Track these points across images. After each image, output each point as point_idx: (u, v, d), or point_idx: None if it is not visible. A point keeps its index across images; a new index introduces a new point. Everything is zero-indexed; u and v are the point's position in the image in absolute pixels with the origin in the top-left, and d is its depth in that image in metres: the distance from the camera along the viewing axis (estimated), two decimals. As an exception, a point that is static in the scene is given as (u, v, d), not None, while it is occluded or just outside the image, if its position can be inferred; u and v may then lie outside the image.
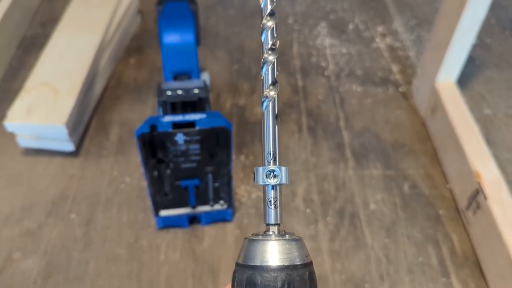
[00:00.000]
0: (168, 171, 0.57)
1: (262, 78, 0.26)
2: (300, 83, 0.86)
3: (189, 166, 0.57)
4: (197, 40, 0.65)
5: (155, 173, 0.57)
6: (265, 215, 0.26)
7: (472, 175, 0.62)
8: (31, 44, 0.92)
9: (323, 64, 0.90)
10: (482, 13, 0.65)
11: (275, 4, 0.26)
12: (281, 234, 0.26)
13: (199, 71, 0.63)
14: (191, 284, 0.58)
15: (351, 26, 0.99)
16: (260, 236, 0.26)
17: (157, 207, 0.61)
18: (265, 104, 0.26)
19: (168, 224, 0.63)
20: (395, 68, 0.90)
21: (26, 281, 0.58)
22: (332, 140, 0.76)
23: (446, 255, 0.61)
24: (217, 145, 0.56)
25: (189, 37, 0.63)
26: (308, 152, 0.74)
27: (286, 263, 0.25)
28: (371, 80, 0.87)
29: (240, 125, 0.78)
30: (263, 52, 0.26)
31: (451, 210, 0.67)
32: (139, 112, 0.79)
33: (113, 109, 0.80)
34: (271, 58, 0.26)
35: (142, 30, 0.97)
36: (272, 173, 0.26)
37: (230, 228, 0.64)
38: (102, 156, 0.72)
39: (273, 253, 0.25)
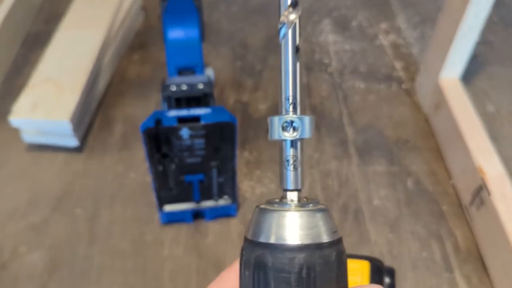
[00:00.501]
0: (173, 166, 0.57)
1: None
2: (303, 79, 0.86)
3: (194, 161, 0.57)
4: (201, 36, 0.66)
5: (160, 167, 0.57)
6: (281, 178, 0.21)
7: (476, 171, 0.62)
8: (35, 41, 0.92)
9: (326, 60, 0.90)
10: (485, 10, 0.65)
11: None
12: (302, 202, 0.21)
13: (203, 66, 0.63)
14: (195, 279, 0.58)
15: (354, 23, 0.99)
16: (275, 205, 0.21)
17: (161, 202, 0.61)
18: (282, 31, 0.20)
19: (172, 219, 0.63)
20: (398, 65, 0.90)
21: (32, 275, 0.58)
22: (336, 137, 0.76)
23: (449, 251, 0.62)
24: (221, 140, 0.56)
25: (193, 32, 0.63)
26: (312, 148, 0.74)
27: (308, 241, 0.19)
28: (374, 76, 0.87)
29: (244, 121, 0.78)
30: None
31: (454, 206, 0.67)
32: (142, 108, 0.80)
33: (117, 105, 0.80)
34: None
35: (145, 26, 0.97)
36: (290, 125, 0.20)
37: (234, 224, 0.64)
38: (106, 152, 0.73)
39: (291, 228, 0.20)
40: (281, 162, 0.21)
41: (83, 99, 0.72)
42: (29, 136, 0.71)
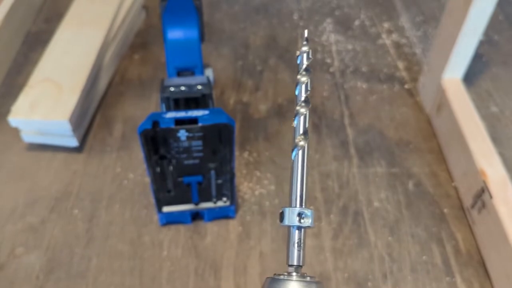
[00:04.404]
0: (171, 168, 0.57)
1: (293, 126, 0.28)
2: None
3: (192, 162, 0.57)
4: (201, 37, 0.65)
5: (158, 169, 0.57)
6: (288, 255, 0.27)
7: (478, 173, 0.61)
8: (35, 40, 0.92)
9: (328, 60, 0.90)
10: (489, 9, 0.64)
11: (311, 60, 0.29)
12: (303, 275, 0.27)
13: (202, 67, 0.63)
14: (193, 280, 0.58)
15: (357, 22, 0.99)
16: (281, 276, 0.27)
17: (159, 203, 0.60)
18: (294, 152, 0.28)
19: (170, 220, 0.63)
20: (401, 65, 0.89)
21: (29, 277, 0.58)
22: (336, 137, 0.75)
23: (450, 254, 0.61)
24: (219, 141, 0.55)
25: (192, 33, 0.62)
26: (312, 149, 0.73)
27: None
28: (377, 77, 0.86)
29: (244, 121, 0.77)
30: (296, 104, 0.28)
31: (456, 208, 0.66)
32: (142, 108, 0.79)
33: (117, 105, 0.80)
34: (303, 110, 0.28)
35: (146, 26, 0.96)
36: (303, 215, 0.27)
37: (232, 225, 0.64)
38: (105, 152, 0.72)
39: None
40: (289, 244, 0.27)
41: (83, 99, 0.72)
42: (29, 136, 0.71)
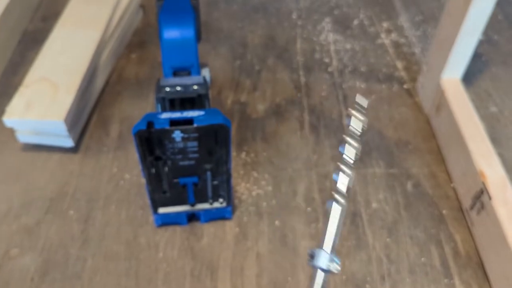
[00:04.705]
0: (166, 169, 0.56)
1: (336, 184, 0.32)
2: (302, 79, 0.85)
3: (187, 163, 0.56)
4: (198, 36, 0.65)
5: (153, 170, 0.56)
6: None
7: (477, 174, 0.61)
8: (32, 39, 0.92)
9: (327, 60, 0.89)
10: (488, 9, 0.63)
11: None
12: None
13: (199, 67, 0.62)
14: (189, 282, 0.58)
15: (356, 22, 0.98)
16: None
17: (155, 204, 0.60)
18: (331, 204, 0.31)
19: (166, 221, 0.62)
20: (400, 64, 0.88)
21: (23, 278, 0.57)
22: (335, 138, 0.75)
23: (449, 256, 0.60)
24: (215, 142, 0.55)
25: (189, 32, 0.62)
26: (310, 150, 0.73)
27: None
28: (375, 76, 0.86)
29: (241, 121, 0.77)
30: (341, 162, 0.32)
31: (455, 210, 0.65)
32: (139, 108, 0.79)
33: (113, 104, 0.79)
34: (348, 171, 0.33)
35: (144, 25, 0.96)
36: (333, 261, 0.30)
37: (229, 226, 0.63)
38: (101, 152, 0.72)
39: None
40: (313, 284, 0.30)
41: (79, 99, 0.72)
42: (24, 136, 0.70)
